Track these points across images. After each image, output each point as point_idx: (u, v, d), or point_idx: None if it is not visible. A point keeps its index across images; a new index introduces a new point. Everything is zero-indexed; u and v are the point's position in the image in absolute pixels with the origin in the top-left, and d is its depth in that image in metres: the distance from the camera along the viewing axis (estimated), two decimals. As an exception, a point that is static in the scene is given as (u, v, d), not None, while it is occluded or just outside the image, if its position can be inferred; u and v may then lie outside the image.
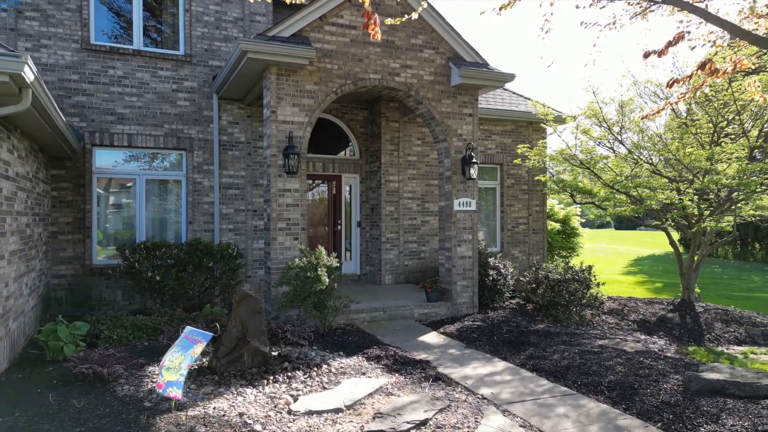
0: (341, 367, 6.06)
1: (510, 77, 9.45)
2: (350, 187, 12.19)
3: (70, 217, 9.37)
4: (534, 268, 10.34)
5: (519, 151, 11.79)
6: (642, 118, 7.37)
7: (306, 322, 7.48)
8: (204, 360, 5.97)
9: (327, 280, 7.31)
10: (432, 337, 7.89)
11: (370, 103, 11.99)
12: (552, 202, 16.11)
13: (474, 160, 9.31)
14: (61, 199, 9.31)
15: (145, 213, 9.97)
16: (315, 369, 5.88)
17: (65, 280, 9.32)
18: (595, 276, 10.16)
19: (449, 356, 6.89)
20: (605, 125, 10.88)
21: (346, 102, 11.82)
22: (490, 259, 10.47)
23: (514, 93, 13.46)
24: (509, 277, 10.59)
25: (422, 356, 6.83)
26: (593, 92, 10.70)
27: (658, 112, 6.89)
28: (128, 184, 9.95)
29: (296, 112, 8.33)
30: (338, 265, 7.72)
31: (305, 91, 8.39)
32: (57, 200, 9.28)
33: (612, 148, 11.37)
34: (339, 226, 12.01)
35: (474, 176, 9.36)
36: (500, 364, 6.59)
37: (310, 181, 11.86)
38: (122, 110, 9.70)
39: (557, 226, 15.07)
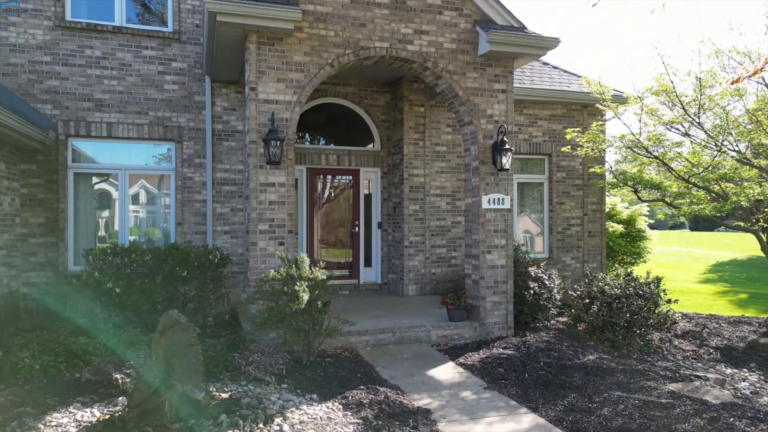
0: (301, 422, 4.46)
1: (553, 42, 7.58)
2: (370, 182, 10.60)
3: (42, 218, 8.26)
4: (587, 280, 8.42)
5: (568, 137, 9.80)
6: (732, 83, 5.44)
7: (282, 349, 5.96)
8: (117, 409, 4.54)
9: (307, 297, 5.74)
10: (446, 371, 6.17)
11: (392, 86, 10.35)
12: (614, 200, 13.93)
13: (507, 147, 7.50)
14: (32, 197, 8.21)
15: (128, 213, 8.75)
16: (261, 426, 4.30)
17: (37, 288, 8.22)
18: (664, 291, 8.13)
19: (460, 403, 5.16)
20: (679, 105, 8.77)
21: (364, 85, 10.24)
22: (531, 269, 8.61)
23: (564, 71, 11.46)
24: (555, 290, 8.69)
25: (423, 402, 5.13)
26: (663, 62, 8.63)
27: (756, 72, 4.97)
28: (109, 180, 8.76)
29: (281, 89, 6.82)
30: (325, 277, 6.14)
31: (293, 64, 6.87)
32: (27, 198, 8.18)
33: (686, 133, 9.21)
34: (357, 228, 10.44)
35: (507, 166, 7.55)
36: (526, 419, 4.80)
37: (323, 177, 10.35)
38: (101, 96, 8.51)
39: (620, 228, 12.89)
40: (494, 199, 7.65)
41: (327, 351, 6.80)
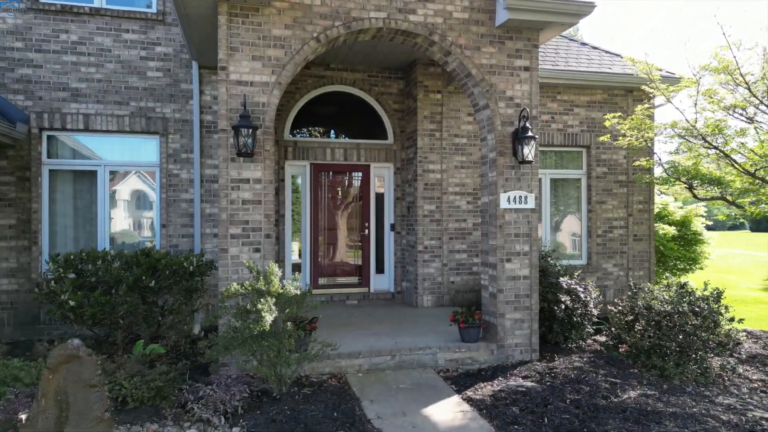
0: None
1: (586, 8, 6.28)
2: (382, 180, 9.49)
3: (13, 219, 7.51)
4: (631, 292, 7.09)
5: (607, 123, 8.40)
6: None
7: (246, 380, 4.93)
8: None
9: (272, 317, 4.68)
10: (447, 409, 5.00)
11: (405, 71, 9.22)
12: (665, 200, 12.34)
13: (530, 134, 6.25)
14: (2, 197, 7.48)
15: (107, 214, 7.92)
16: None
17: (7, 297, 7.49)
18: (726, 307, 6.72)
19: (454, 459, 4.00)
20: (743, 84, 7.29)
21: (374, 70, 9.14)
22: (563, 279, 7.32)
23: (605, 51, 10.05)
24: (591, 304, 7.38)
25: (406, 457, 4.00)
26: (724, 33, 7.17)
27: None
28: (87, 178, 7.95)
29: (257, 68, 5.79)
30: (298, 292, 5.06)
31: (271, 39, 5.83)
32: (-4, 198, 7.47)
33: (751, 119, 7.70)
34: (367, 230, 9.34)
35: (530, 158, 6.30)
36: (538, 490, 3.60)
37: (329, 174, 9.31)
38: (77, 84, 7.71)
39: (671, 230, 11.33)
40: (515, 198, 6.42)
41: (311, 377, 5.74)
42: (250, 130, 5.54)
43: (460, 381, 5.78)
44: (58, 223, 7.83)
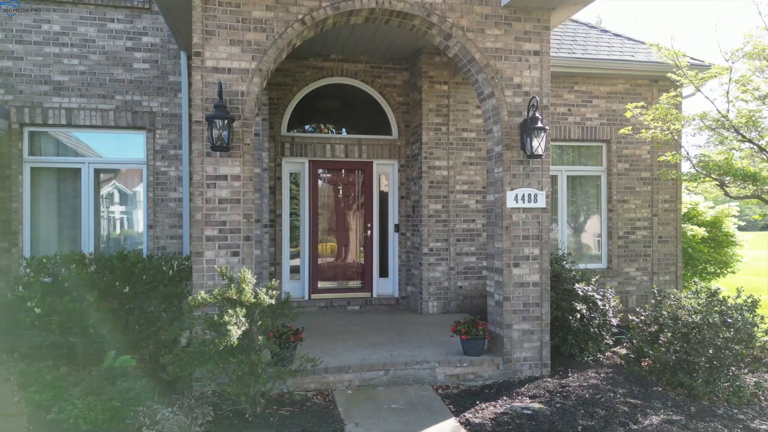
0: None
1: (603, -17, 5.63)
2: (386, 177, 8.92)
3: (-7, 220, 7.14)
4: (655, 299, 6.41)
5: (628, 114, 7.68)
6: None
7: (212, 399, 4.41)
8: None
9: (239, 331, 4.14)
10: (441, 435, 4.41)
11: (410, 61, 8.63)
12: (695, 199, 11.52)
13: (540, 125, 5.61)
14: (-19, 196, 7.12)
15: (93, 214, 7.50)
16: None
17: (-13, 301, 7.10)
18: (762, 317, 6.02)
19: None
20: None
21: (377, 60, 8.58)
22: (578, 285, 6.67)
23: (628, 38, 9.32)
24: (610, 313, 6.71)
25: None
26: (759, 12, 6.43)
27: None
28: (72, 176, 7.54)
29: (236, 53, 5.27)
30: (273, 302, 4.51)
31: (251, 21, 5.30)
32: (-24, 197, 7.09)
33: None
34: (369, 231, 8.77)
35: (540, 152, 5.66)
36: None
37: (329, 171, 8.77)
38: (60, 77, 7.31)
39: (701, 231, 10.50)
40: (523, 196, 5.79)
41: (294, 393, 5.21)
42: (226, 122, 5.01)
43: (460, 400, 5.18)
44: (41, 224, 7.44)
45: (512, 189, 5.78)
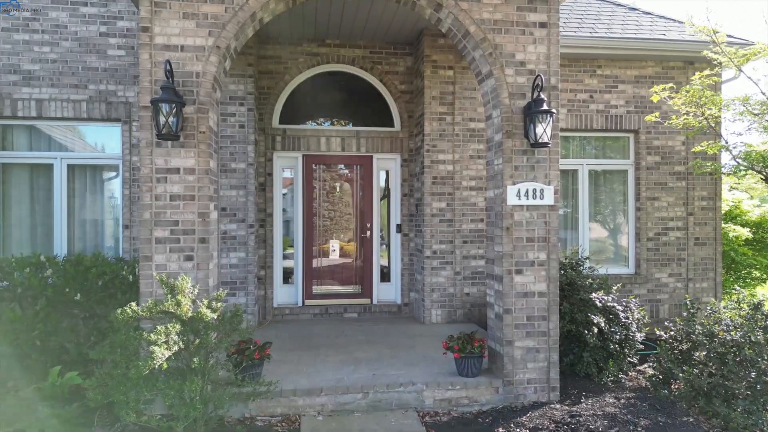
0: None
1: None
2: (387, 173, 8.17)
3: (-41, 219, 6.69)
4: (687, 312, 5.50)
5: (654, 98, 6.70)
6: None
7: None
8: None
9: (167, 353, 3.46)
10: (413, 480, 3.63)
11: (413, 45, 7.86)
12: (738, 197, 10.39)
13: (545, 108, 4.77)
14: (-53, 194, 6.67)
15: (65, 213, 6.97)
16: None
17: (-47, 306, 6.64)
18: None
19: None
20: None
21: (376, 45, 7.84)
22: (596, 295, 5.78)
23: (659, 16, 8.32)
24: (634, 326, 5.80)
25: None
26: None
27: None
28: (44, 173, 7.02)
29: (189, 28, 4.60)
30: (215, 317, 3.82)
31: (208, -9, 4.63)
32: (-59, 195, 6.65)
33: None
34: (369, 232, 8.03)
35: (546, 139, 4.82)
36: None
37: (324, 167, 8.07)
38: (30, 66, 6.80)
39: (744, 232, 9.39)
40: (527, 191, 4.95)
41: (256, 419, 4.52)
42: (174, 106, 4.34)
43: (449, 431, 4.39)
44: (12, 224, 6.95)
45: (514, 183, 4.95)
